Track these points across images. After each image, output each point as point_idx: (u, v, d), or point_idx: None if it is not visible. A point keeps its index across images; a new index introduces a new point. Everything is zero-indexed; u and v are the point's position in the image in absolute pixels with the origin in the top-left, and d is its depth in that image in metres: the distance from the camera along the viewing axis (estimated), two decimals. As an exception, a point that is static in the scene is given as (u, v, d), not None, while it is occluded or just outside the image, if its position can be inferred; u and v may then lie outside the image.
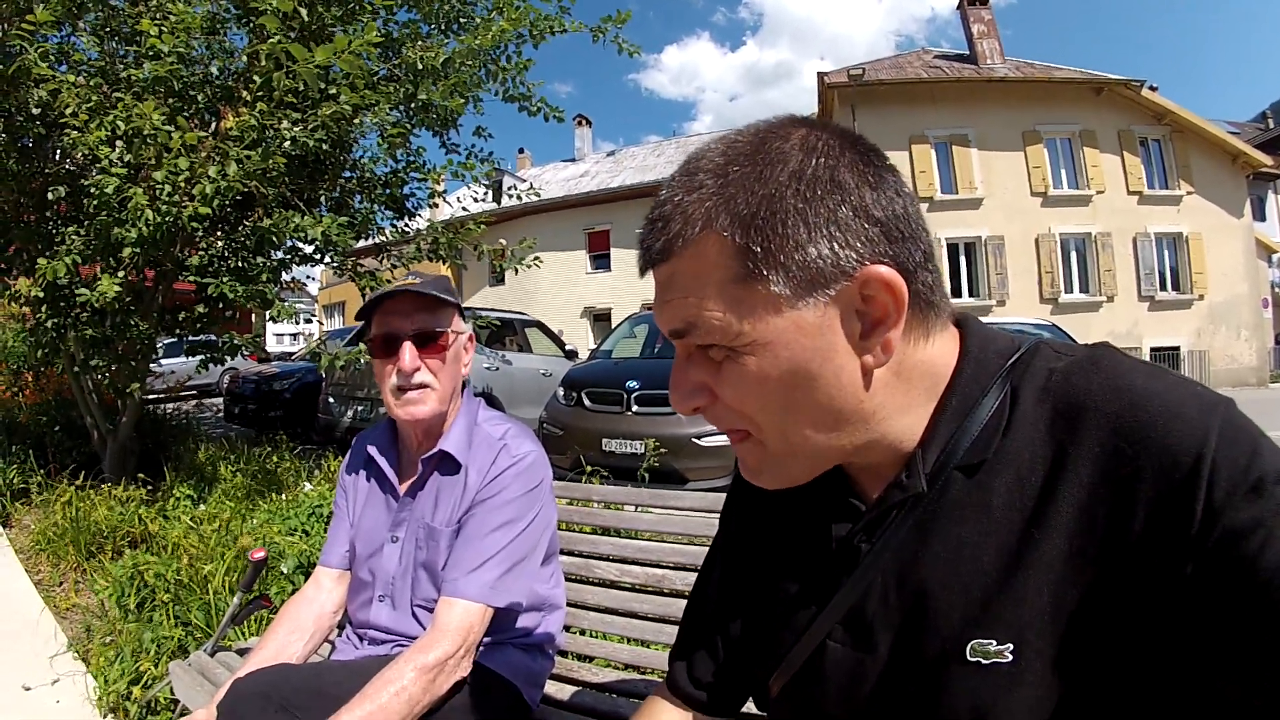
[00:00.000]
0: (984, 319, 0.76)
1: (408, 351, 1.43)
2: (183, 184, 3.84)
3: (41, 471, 5.05)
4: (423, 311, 1.47)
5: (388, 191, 5.89)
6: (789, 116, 0.64)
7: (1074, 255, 19.94)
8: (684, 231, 0.60)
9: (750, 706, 0.88)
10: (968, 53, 21.51)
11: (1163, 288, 19.80)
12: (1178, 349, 19.34)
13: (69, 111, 3.82)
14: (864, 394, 0.62)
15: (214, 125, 4.55)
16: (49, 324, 4.67)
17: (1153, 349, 19.00)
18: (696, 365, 0.65)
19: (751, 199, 0.57)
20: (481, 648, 1.43)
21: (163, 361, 9.70)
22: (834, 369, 0.60)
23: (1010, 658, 0.59)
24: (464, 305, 1.64)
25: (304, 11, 4.23)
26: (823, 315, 0.59)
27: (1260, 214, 21.95)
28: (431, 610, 1.38)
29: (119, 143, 3.84)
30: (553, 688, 1.75)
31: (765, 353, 0.60)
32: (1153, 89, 19.66)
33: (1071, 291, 19.85)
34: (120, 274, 4.10)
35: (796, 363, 0.60)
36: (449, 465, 1.50)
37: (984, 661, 0.60)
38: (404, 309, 1.47)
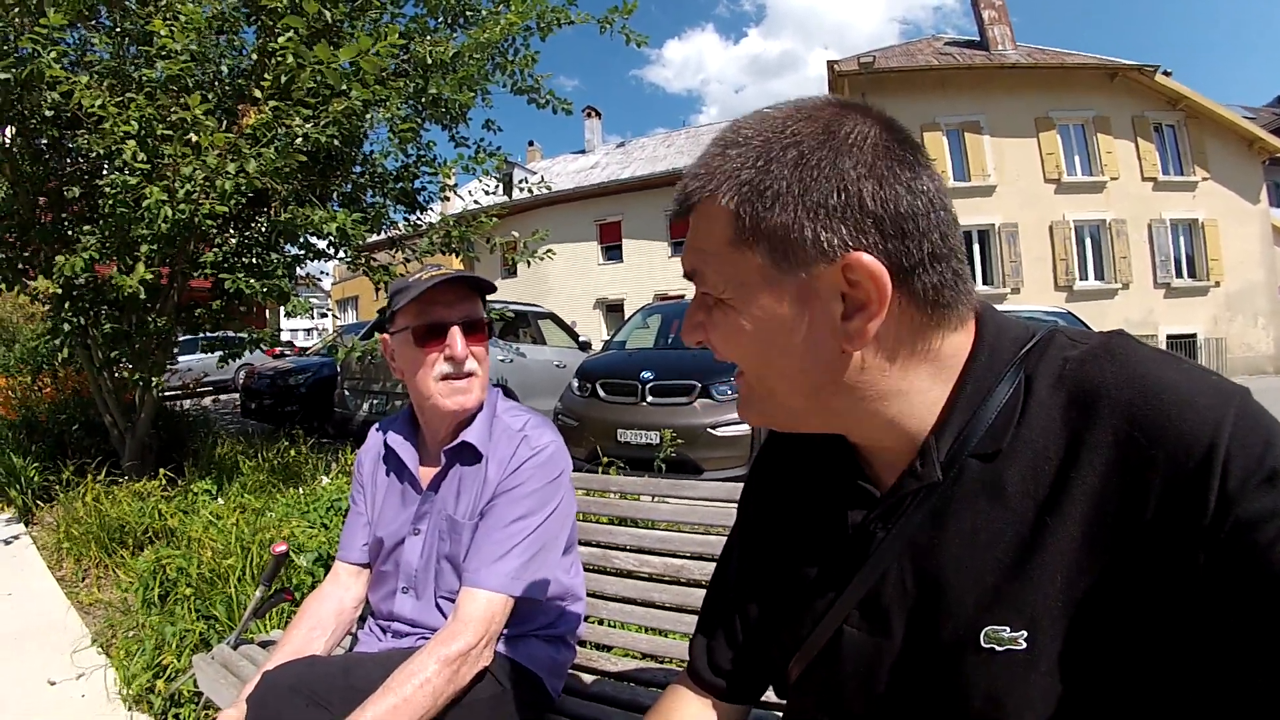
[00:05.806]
0: (998, 307, 0.76)
1: (459, 339, 1.44)
2: (202, 181, 3.88)
3: (70, 466, 5.08)
4: (466, 301, 1.49)
5: (399, 186, 5.91)
6: (828, 99, 0.66)
7: (1088, 242, 19.71)
8: (700, 190, 0.66)
9: (770, 695, 0.89)
10: (979, 39, 21.26)
11: (1178, 275, 19.54)
12: (1194, 336, 19.09)
13: (96, 105, 3.85)
14: (844, 371, 0.64)
15: (225, 123, 4.58)
16: (71, 319, 4.73)
17: (1169, 336, 18.78)
18: (699, 305, 0.71)
19: (754, 173, 0.62)
20: (504, 639, 1.44)
21: (179, 358, 9.80)
22: (808, 341, 0.64)
23: (1024, 645, 0.59)
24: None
25: (328, 13, 4.25)
26: (801, 290, 0.62)
27: (1276, 200, 21.62)
28: (454, 601, 1.39)
29: (132, 141, 3.87)
30: (572, 677, 1.76)
31: (744, 311, 0.65)
32: (1166, 74, 19.37)
33: (1086, 279, 19.63)
34: (143, 268, 4.16)
35: (769, 328, 0.65)
36: (470, 456, 1.50)
37: (998, 648, 0.60)
38: (448, 297, 1.47)
